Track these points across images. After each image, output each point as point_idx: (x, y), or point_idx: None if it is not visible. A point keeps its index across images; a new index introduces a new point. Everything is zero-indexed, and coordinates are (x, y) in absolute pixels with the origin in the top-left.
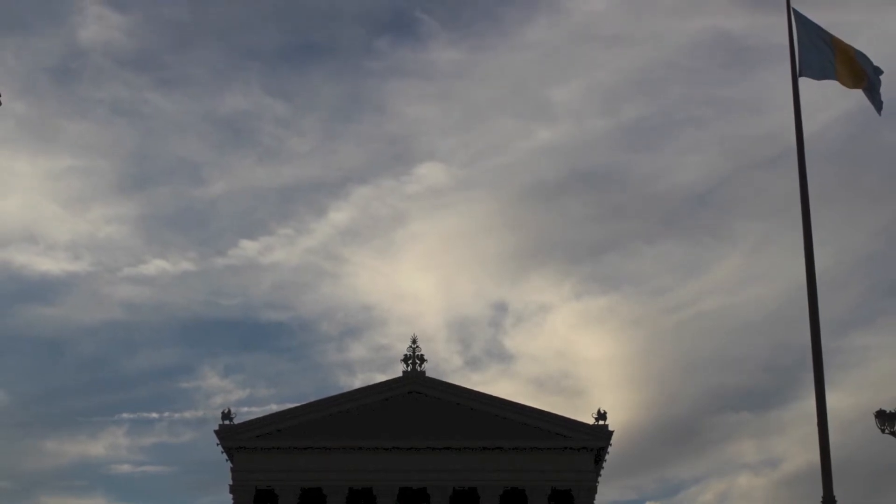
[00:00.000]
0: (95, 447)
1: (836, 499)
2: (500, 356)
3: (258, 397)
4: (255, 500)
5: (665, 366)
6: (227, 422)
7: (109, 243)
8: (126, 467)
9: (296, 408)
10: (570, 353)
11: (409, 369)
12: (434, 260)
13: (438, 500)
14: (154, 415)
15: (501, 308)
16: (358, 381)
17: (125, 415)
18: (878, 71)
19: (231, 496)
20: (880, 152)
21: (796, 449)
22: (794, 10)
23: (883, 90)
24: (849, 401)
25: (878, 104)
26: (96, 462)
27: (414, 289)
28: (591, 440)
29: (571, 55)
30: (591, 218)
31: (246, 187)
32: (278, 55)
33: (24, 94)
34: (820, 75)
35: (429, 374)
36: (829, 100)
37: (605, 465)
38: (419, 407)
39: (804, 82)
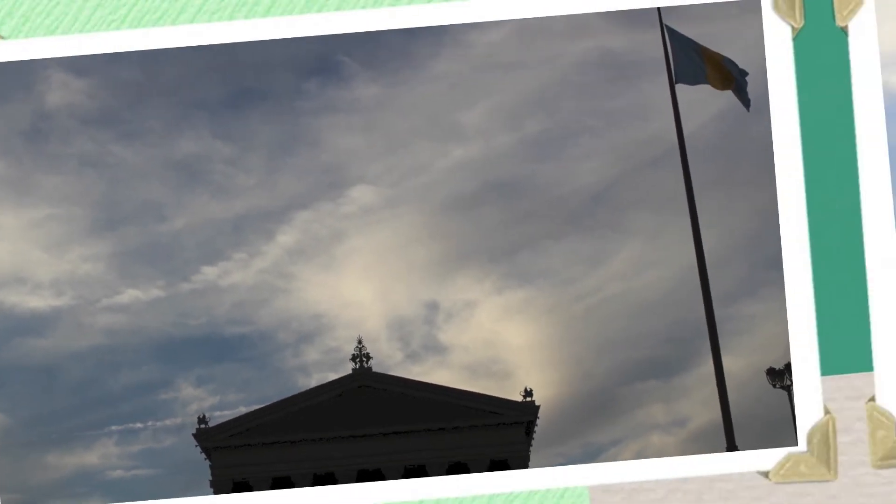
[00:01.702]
0: (90, 457)
1: (738, 447)
2: (436, 349)
3: (228, 402)
4: (232, 491)
5: (579, 347)
6: (203, 426)
7: (88, 279)
8: (119, 472)
9: (262, 408)
10: (496, 341)
11: (357, 367)
12: (372, 270)
13: (393, 477)
14: (139, 425)
15: (433, 307)
16: (314, 381)
17: (114, 427)
18: (744, 73)
19: (212, 489)
20: (751, 144)
21: (700, 408)
22: (666, 26)
23: (748, 89)
24: (742, 362)
25: (746, 102)
26: (92, 470)
27: (356, 297)
28: (521, 415)
29: (476, 82)
30: (504, 223)
31: (203, 221)
32: (222, 103)
33: (3, 156)
34: (693, 81)
35: (375, 369)
36: (703, 101)
37: (534, 436)
38: (369, 399)
39: (681, 88)
